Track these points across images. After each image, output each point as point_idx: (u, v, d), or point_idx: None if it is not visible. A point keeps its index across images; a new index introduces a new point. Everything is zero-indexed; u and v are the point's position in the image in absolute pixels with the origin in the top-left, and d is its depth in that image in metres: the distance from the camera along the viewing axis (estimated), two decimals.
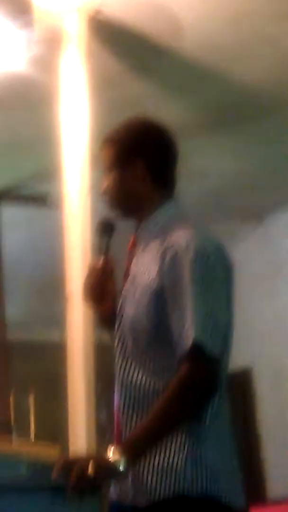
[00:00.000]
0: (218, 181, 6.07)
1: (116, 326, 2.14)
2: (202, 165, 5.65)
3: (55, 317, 4.38)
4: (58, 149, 4.10)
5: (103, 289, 2.22)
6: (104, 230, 2.25)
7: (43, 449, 2.05)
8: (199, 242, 2.04)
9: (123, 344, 2.11)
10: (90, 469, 1.88)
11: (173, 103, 4.97)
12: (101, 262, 2.23)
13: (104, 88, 4.47)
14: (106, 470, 1.90)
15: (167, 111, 4.85)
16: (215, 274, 2.04)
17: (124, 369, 2.09)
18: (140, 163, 2.14)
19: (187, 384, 1.97)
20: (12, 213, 6.24)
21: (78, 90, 4.09)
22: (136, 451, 1.95)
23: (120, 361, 2.11)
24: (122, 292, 2.16)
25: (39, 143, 5.10)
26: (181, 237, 2.05)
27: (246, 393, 7.14)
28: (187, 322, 1.98)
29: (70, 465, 1.90)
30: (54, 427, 4.57)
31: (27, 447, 2.37)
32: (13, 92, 4.71)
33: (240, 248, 7.10)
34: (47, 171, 5.23)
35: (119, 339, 2.12)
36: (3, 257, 6.31)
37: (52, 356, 6.07)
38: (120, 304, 2.15)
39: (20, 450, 1.98)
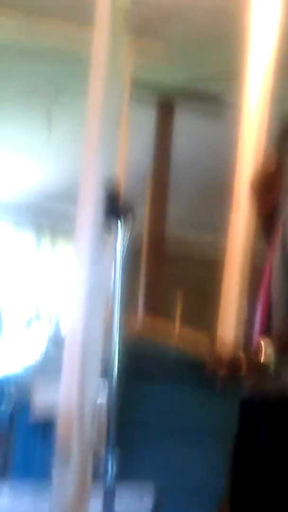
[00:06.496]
0: None
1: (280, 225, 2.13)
2: None
3: (216, 221, 4.37)
4: (244, 49, 3.99)
5: (271, 186, 2.22)
6: (286, 133, 2.23)
7: (192, 334, 2.07)
8: None
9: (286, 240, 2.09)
10: (242, 369, 1.88)
11: None
12: (275, 162, 2.22)
13: None
14: (257, 370, 1.90)
15: None
16: None
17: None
18: None
19: None
20: (187, 112, 6.20)
21: None
22: None
23: (282, 253, 2.09)
24: None
25: (224, 41, 5.00)
26: None
27: None
28: None
29: (222, 362, 1.90)
30: (201, 326, 4.63)
31: (176, 331, 2.41)
32: None
33: None
34: (228, 72, 5.14)
35: (283, 235, 2.11)
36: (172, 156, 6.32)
37: (207, 259, 6.11)
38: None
39: (171, 336, 2.00)
